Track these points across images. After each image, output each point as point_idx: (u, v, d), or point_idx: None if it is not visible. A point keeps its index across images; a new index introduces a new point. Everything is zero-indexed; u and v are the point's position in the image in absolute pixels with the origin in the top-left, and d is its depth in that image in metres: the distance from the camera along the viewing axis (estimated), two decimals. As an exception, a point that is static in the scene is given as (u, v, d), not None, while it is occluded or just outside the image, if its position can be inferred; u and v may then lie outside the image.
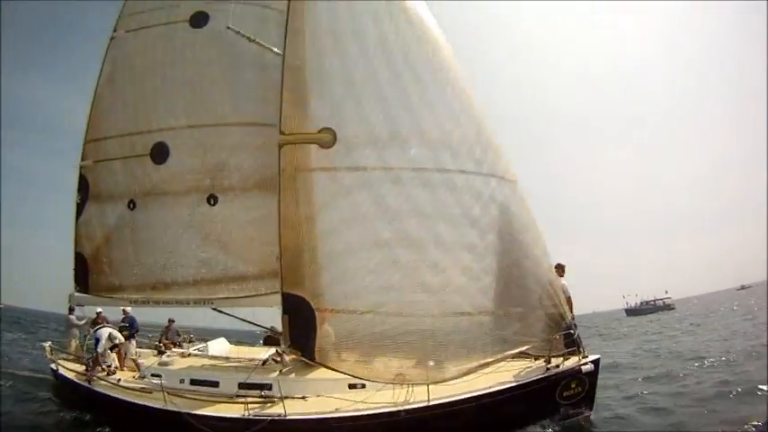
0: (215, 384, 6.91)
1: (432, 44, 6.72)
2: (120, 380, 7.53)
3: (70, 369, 8.55)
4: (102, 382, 7.52)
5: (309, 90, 6.43)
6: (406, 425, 5.59)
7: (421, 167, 6.39)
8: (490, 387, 5.91)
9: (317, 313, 6.27)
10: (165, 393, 6.26)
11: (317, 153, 6.29)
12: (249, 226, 7.67)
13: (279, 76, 6.51)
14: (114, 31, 8.74)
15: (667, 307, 46.20)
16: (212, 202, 7.81)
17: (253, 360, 7.44)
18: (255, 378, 6.67)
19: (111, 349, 8.27)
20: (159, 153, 8.12)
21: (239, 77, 7.94)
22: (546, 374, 6.10)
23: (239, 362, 7.55)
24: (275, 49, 7.19)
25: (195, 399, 6.43)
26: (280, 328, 7.19)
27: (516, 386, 5.99)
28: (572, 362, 6.23)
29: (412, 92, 6.56)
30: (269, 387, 6.50)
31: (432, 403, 5.61)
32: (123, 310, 9.33)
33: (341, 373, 6.19)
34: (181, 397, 6.40)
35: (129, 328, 9.01)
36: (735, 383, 7.83)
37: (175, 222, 7.98)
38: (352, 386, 6.26)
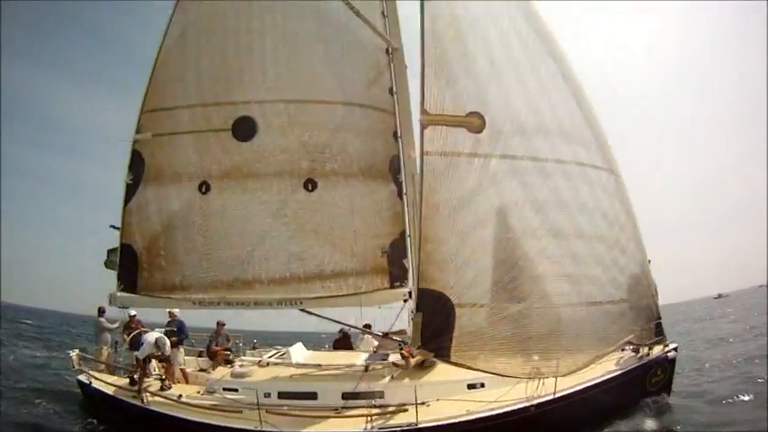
0: (312, 396, 6.05)
1: (555, 40, 6.68)
2: (180, 396, 6.38)
3: (106, 382, 7.16)
4: (159, 399, 6.33)
5: (453, 71, 5.91)
6: (536, 419, 5.37)
7: (563, 160, 6.32)
8: (604, 375, 5.96)
9: (457, 310, 5.69)
10: (262, 411, 5.42)
11: (465, 137, 5.74)
12: (353, 216, 6.86)
13: (382, 59, 6.60)
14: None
15: None
16: (310, 188, 6.89)
17: (351, 366, 6.64)
18: (362, 387, 5.93)
19: (160, 359, 7.03)
20: (244, 128, 7.06)
21: (343, 56, 7.15)
22: (641, 362, 6.31)
23: (337, 369, 6.68)
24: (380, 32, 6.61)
25: (295, 415, 5.59)
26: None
27: (621, 374, 6.10)
28: (657, 350, 6.50)
29: (550, 84, 6.50)
30: (380, 395, 5.84)
31: (558, 395, 5.43)
32: (170, 313, 8.04)
33: (478, 371, 5.74)
34: (276, 414, 5.53)
35: (179, 333, 7.77)
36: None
37: (263, 210, 6.96)
38: (471, 386, 5.89)
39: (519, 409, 5.35)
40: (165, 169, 7.32)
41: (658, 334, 6.64)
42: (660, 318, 6.74)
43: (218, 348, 8.07)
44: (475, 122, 5.79)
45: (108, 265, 8.39)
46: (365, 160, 6.93)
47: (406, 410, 5.45)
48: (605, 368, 6.11)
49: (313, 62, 7.09)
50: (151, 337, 6.82)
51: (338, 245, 6.86)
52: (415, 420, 5.24)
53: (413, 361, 6.16)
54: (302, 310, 7.04)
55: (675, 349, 6.74)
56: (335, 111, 6.97)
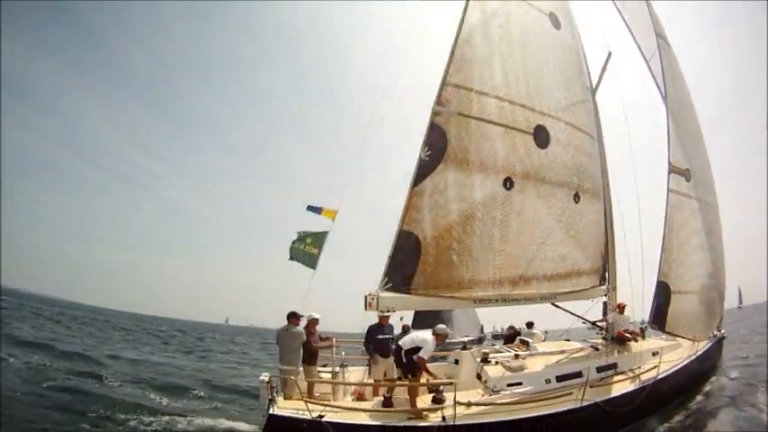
0: (579, 375, 7.01)
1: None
2: (470, 402, 6.13)
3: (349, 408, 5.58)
4: (464, 411, 5.66)
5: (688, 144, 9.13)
6: (699, 370, 8.77)
7: (705, 201, 9.80)
8: (704, 346, 9.71)
9: (672, 296, 8.38)
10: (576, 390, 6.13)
11: (679, 181, 8.72)
12: (592, 227, 8.37)
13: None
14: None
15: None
16: (576, 200, 7.95)
17: (580, 350, 8.04)
18: (606, 361, 7.61)
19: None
20: (541, 136, 7.41)
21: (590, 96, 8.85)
22: (719, 337, 10.52)
23: (573, 351, 7.85)
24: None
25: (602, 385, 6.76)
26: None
27: (715, 342, 10.05)
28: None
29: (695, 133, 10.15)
30: (616, 366, 7.65)
31: (700, 353, 8.79)
32: (381, 318, 6.87)
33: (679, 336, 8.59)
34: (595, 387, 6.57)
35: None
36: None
37: (549, 214, 7.44)
38: (654, 353, 8.18)
39: (691, 362, 8.28)
40: (471, 155, 6.64)
41: None
42: None
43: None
44: (687, 175, 8.84)
45: (295, 254, 6.47)
46: (596, 182, 8.65)
47: (642, 371, 7.29)
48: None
49: (580, 94, 8.36)
50: (428, 335, 5.96)
51: (584, 249, 8.15)
52: (656, 374, 7.18)
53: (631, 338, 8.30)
54: (553, 304, 7.86)
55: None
56: (587, 140, 8.41)
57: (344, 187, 6.89)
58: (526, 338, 7.98)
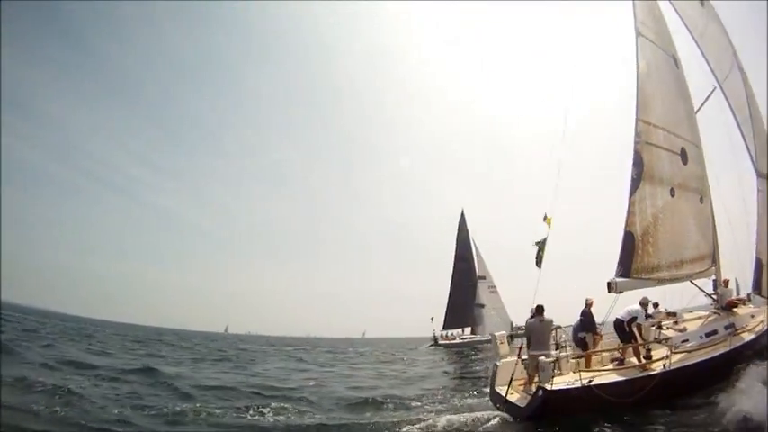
0: (714, 332, 9.76)
1: None
2: None
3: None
4: None
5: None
6: None
7: None
8: None
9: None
10: None
11: (763, 183, 11.63)
12: (707, 220, 10.91)
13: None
14: (638, 33, 9.57)
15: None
16: (701, 201, 10.51)
17: (707, 316, 10.66)
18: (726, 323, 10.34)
19: None
20: (683, 155, 9.91)
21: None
22: None
23: (703, 317, 10.45)
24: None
25: None
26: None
27: None
28: None
29: None
30: (733, 325, 10.42)
31: None
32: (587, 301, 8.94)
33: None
34: None
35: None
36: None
37: (690, 212, 9.96)
38: (752, 315, 11.07)
39: None
40: (654, 173, 8.97)
41: None
42: None
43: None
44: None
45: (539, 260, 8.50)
46: (707, 185, 11.26)
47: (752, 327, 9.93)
48: None
49: (693, 117, 10.97)
50: (638, 307, 8.28)
51: (705, 238, 10.77)
52: (763, 328, 9.90)
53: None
54: (691, 282, 10.40)
55: None
56: (701, 154, 11.01)
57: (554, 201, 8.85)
58: (673, 311, 10.44)
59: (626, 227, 8.39)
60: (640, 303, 8.68)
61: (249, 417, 7.98)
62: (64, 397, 8.20)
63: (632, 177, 8.57)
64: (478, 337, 38.54)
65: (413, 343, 52.87)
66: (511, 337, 39.34)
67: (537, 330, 7.73)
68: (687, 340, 8.70)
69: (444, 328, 41.01)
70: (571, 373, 7.49)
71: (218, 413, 8.02)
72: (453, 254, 43.17)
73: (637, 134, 8.82)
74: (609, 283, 8.08)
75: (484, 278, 41.77)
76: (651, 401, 7.02)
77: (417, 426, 7.17)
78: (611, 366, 8.03)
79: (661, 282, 9.19)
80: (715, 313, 10.57)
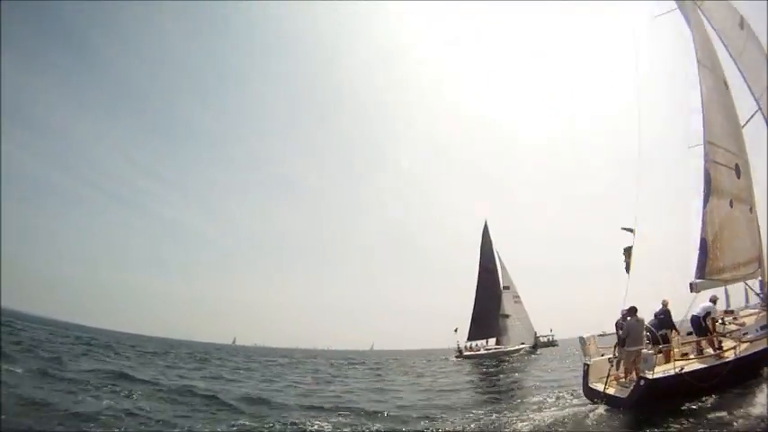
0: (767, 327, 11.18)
1: None
2: None
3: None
4: None
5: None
6: None
7: None
8: None
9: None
10: None
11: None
12: (754, 224, 12.31)
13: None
14: (700, 63, 10.91)
15: (552, 343, 48.11)
16: (750, 211, 11.87)
17: (758, 313, 12.01)
18: None
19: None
20: (737, 170, 11.26)
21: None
22: None
23: (755, 313, 11.80)
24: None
25: None
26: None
27: None
28: None
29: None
30: None
31: None
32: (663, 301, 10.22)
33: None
34: None
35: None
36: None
37: (744, 220, 11.30)
38: None
39: None
40: (719, 187, 10.29)
41: None
42: None
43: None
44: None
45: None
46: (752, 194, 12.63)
47: None
48: None
49: (741, 133, 12.31)
50: (710, 304, 9.58)
51: (753, 242, 12.10)
52: None
53: None
54: (745, 283, 11.70)
55: None
56: (749, 166, 12.37)
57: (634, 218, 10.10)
58: (731, 309, 11.73)
59: (702, 234, 9.67)
60: (710, 300, 9.98)
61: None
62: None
63: (704, 192, 9.87)
64: (503, 348, 39.06)
65: (427, 355, 52.19)
66: (534, 347, 40.25)
67: (634, 329, 8.93)
68: (747, 333, 9.99)
69: (469, 339, 41.33)
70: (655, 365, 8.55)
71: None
72: (477, 265, 43.68)
73: (705, 154, 10.14)
74: (691, 284, 9.36)
75: (508, 288, 42.61)
76: (727, 384, 8.28)
77: (525, 423, 8.11)
78: (692, 357, 9.27)
79: (725, 282, 10.50)
80: (764, 309, 11.92)
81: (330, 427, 8.40)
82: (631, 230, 9.79)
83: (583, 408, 8.81)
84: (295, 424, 8.52)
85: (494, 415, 9.14)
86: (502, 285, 42.52)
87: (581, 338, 10.24)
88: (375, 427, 8.44)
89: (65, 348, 23.09)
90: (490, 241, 44.03)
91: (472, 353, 38.56)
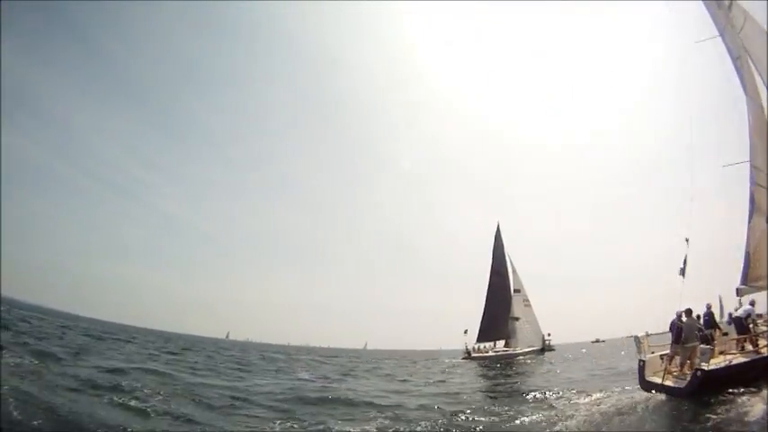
0: None
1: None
2: None
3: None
4: None
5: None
6: None
7: None
8: None
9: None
10: None
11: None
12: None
13: None
14: (747, 94, 12.34)
15: (549, 348, 47.10)
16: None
17: None
18: None
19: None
20: None
21: None
22: None
23: None
24: None
25: None
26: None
27: None
28: None
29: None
30: None
31: None
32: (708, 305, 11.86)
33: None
34: None
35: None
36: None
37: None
38: None
39: None
40: (760, 207, 11.84)
41: None
42: None
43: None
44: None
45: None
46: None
47: None
48: None
49: None
50: (749, 306, 11.22)
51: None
52: None
53: None
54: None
55: None
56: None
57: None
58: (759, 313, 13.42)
59: (746, 248, 11.27)
60: (750, 304, 11.66)
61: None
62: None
63: (749, 210, 11.44)
64: (511, 350, 39.70)
65: (424, 356, 52.31)
66: (542, 350, 41.47)
67: (690, 327, 10.56)
68: None
69: (478, 340, 41.80)
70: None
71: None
72: (489, 267, 44.19)
73: (751, 178, 11.68)
74: (737, 289, 11.02)
75: (519, 291, 43.31)
76: (763, 377, 9.96)
77: (585, 410, 9.24)
78: (734, 352, 10.92)
79: (761, 289, 12.15)
80: None
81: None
82: (686, 240, 11.33)
83: (635, 395, 10.24)
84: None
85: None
86: (513, 288, 43.18)
87: (635, 337, 11.80)
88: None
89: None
90: (502, 245, 44.66)
91: (480, 354, 38.82)
